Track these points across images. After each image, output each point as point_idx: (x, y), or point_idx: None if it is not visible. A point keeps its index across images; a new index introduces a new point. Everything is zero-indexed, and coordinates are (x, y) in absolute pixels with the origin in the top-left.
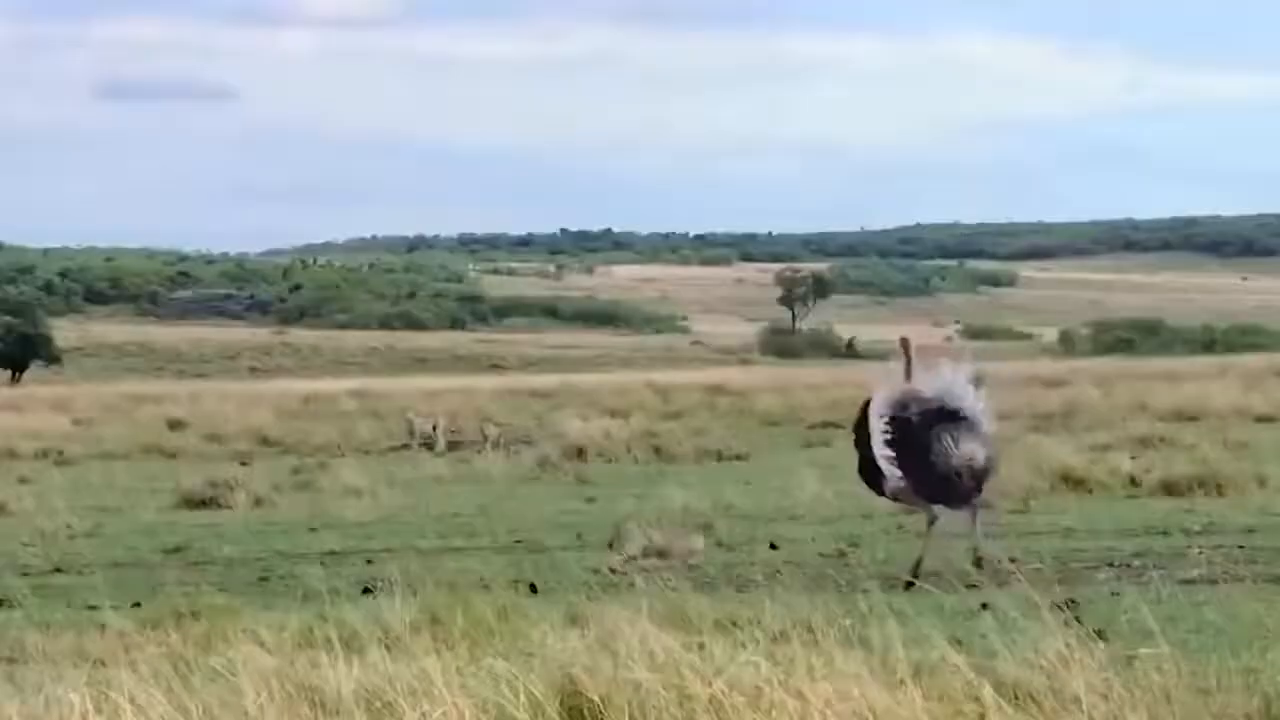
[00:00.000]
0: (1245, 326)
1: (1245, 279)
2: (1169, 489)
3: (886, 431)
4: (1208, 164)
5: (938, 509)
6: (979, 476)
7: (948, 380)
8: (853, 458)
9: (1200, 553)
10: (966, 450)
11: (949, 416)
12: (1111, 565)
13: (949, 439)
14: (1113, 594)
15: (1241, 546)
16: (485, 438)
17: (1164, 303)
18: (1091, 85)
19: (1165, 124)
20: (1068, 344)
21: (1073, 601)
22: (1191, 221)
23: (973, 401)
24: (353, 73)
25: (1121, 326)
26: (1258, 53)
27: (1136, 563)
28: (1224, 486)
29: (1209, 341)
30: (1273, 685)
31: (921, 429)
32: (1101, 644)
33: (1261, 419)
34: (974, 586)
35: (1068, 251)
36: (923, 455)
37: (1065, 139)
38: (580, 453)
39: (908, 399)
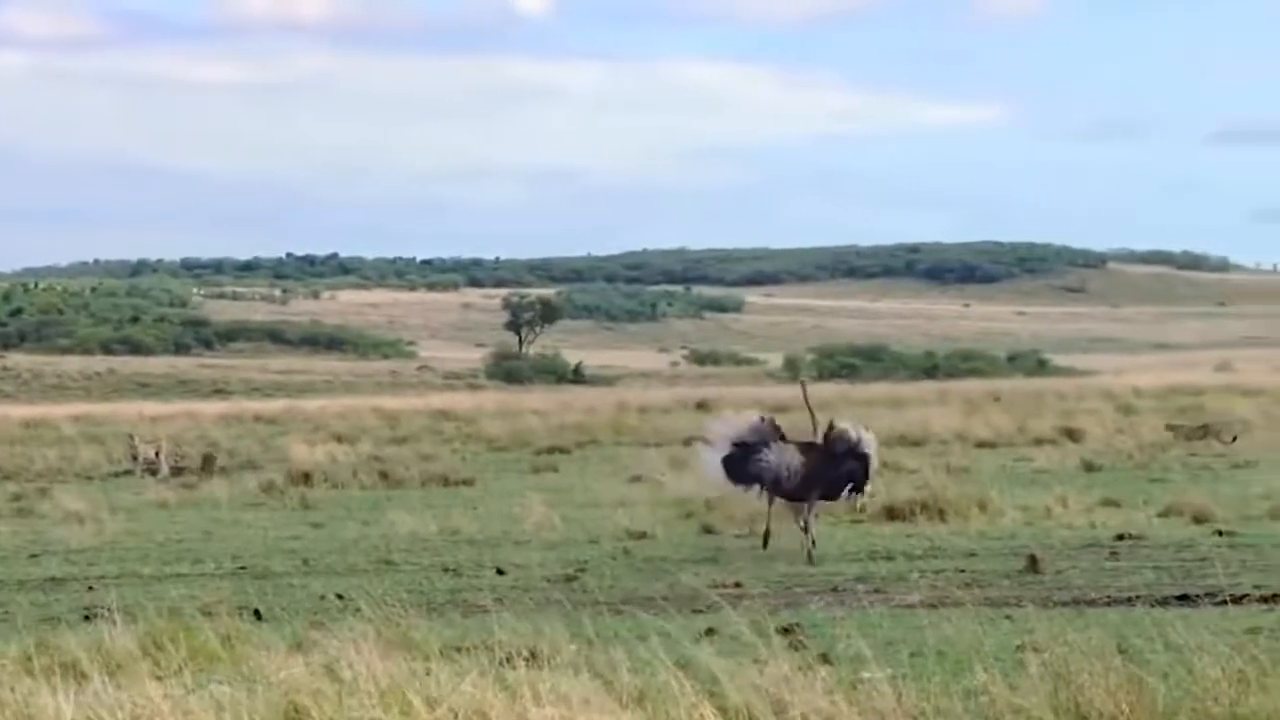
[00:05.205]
0: (966, 352)
1: (967, 305)
2: (892, 513)
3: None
4: (929, 191)
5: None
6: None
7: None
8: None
9: (922, 577)
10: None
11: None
12: (835, 589)
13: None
14: (836, 618)
15: (962, 570)
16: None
17: (886, 329)
18: (813, 112)
19: (887, 151)
20: (792, 369)
21: (797, 626)
22: (913, 248)
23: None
24: (69, 94)
25: (845, 352)
26: (976, 83)
27: (860, 587)
28: (946, 511)
29: (930, 367)
30: (992, 708)
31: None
32: (825, 668)
33: (982, 444)
34: (700, 611)
35: (792, 277)
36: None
37: (789, 166)
38: (306, 478)
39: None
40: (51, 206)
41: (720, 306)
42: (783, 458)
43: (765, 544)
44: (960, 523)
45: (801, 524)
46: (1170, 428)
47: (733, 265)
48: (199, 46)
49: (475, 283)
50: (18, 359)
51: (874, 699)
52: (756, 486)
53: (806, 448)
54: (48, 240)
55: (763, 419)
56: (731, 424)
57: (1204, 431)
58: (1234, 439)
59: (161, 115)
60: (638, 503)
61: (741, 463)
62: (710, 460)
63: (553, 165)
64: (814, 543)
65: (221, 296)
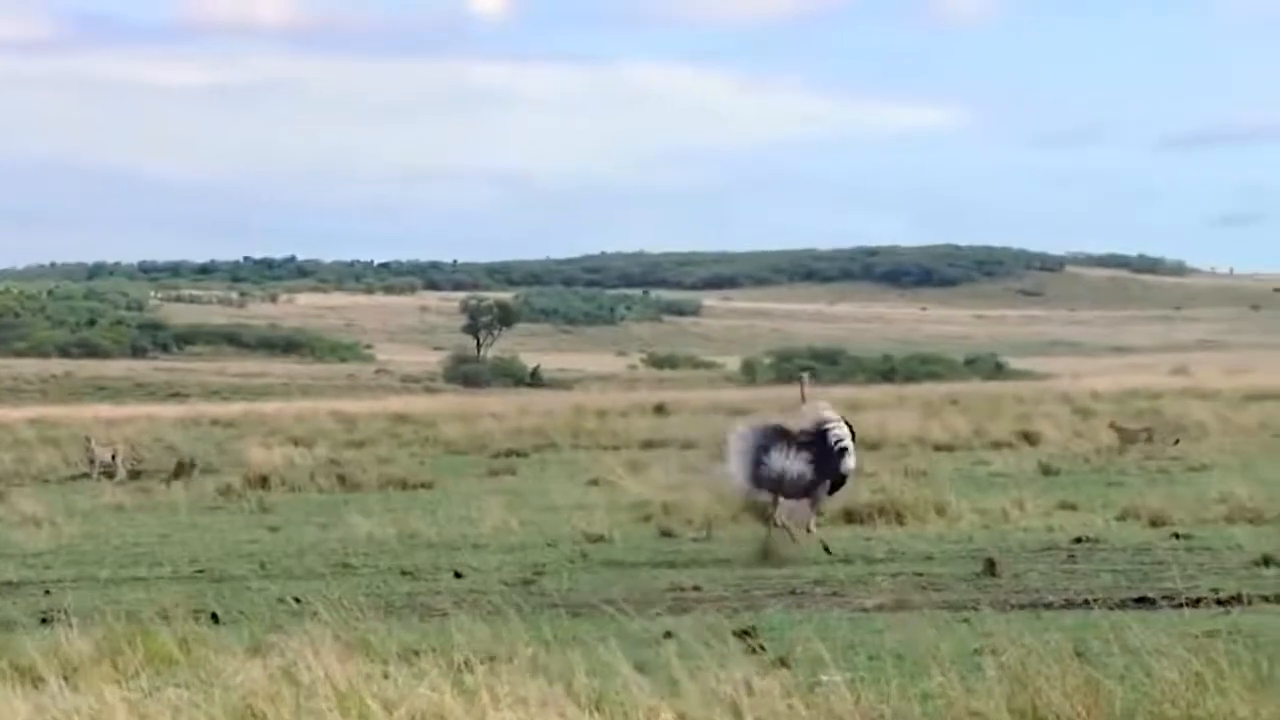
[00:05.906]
0: (924, 356)
1: (925, 309)
2: (850, 517)
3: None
4: (887, 195)
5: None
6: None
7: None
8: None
9: (881, 580)
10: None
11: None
12: (793, 593)
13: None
14: (794, 621)
15: (920, 573)
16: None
17: (844, 332)
18: (772, 115)
19: (845, 155)
20: (750, 373)
21: (755, 629)
22: (872, 252)
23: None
24: (27, 97)
25: (803, 355)
26: (935, 87)
27: (818, 590)
28: (903, 514)
29: (888, 371)
30: (950, 711)
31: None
32: (783, 671)
33: (940, 447)
34: (658, 614)
35: (750, 281)
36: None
37: (747, 169)
38: (264, 481)
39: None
40: (8, 208)
41: (678, 310)
42: (800, 458)
43: (791, 536)
44: (918, 526)
45: (812, 519)
46: (1114, 428)
47: (691, 269)
48: (156, 49)
49: (433, 286)
50: None
51: (832, 702)
52: (779, 491)
53: (806, 441)
54: (4, 242)
55: (775, 425)
56: (746, 435)
57: (1148, 434)
58: (1176, 442)
59: (119, 118)
60: (595, 506)
61: (762, 470)
62: (735, 474)
63: (511, 168)
64: (815, 534)
65: (179, 299)
